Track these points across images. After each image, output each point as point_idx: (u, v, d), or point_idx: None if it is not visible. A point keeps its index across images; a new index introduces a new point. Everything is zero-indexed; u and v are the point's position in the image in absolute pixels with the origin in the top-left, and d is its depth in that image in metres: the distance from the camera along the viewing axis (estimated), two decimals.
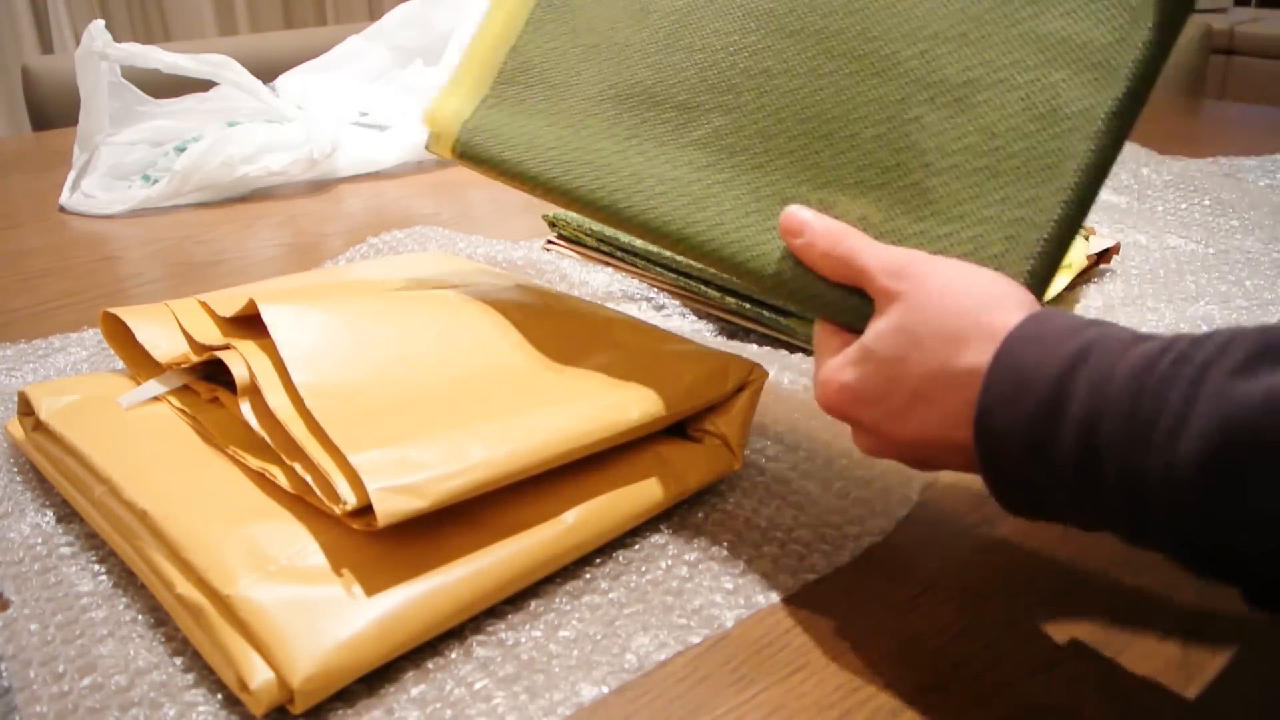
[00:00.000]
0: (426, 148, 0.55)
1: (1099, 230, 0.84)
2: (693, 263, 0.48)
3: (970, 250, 0.40)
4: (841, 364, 0.40)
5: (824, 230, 0.42)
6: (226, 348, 0.46)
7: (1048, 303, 0.47)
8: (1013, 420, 0.34)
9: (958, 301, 0.37)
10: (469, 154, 0.53)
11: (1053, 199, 0.39)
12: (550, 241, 0.80)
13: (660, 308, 0.70)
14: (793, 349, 0.64)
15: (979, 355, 0.36)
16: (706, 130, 0.47)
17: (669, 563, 0.44)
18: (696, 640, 0.40)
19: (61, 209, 0.96)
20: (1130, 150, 1.06)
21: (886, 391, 0.38)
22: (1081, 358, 0.33)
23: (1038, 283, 0.40)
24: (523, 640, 0.40)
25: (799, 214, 0.43)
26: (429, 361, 0.47)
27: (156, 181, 0.97)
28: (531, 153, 0.50)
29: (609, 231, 0.74)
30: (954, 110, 0.42)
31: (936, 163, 0.41)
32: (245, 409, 0.43)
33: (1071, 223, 0.40)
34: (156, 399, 0.48)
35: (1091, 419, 0.32)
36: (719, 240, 0.45)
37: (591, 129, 0.50)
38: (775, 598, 0.42)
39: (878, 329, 0.39)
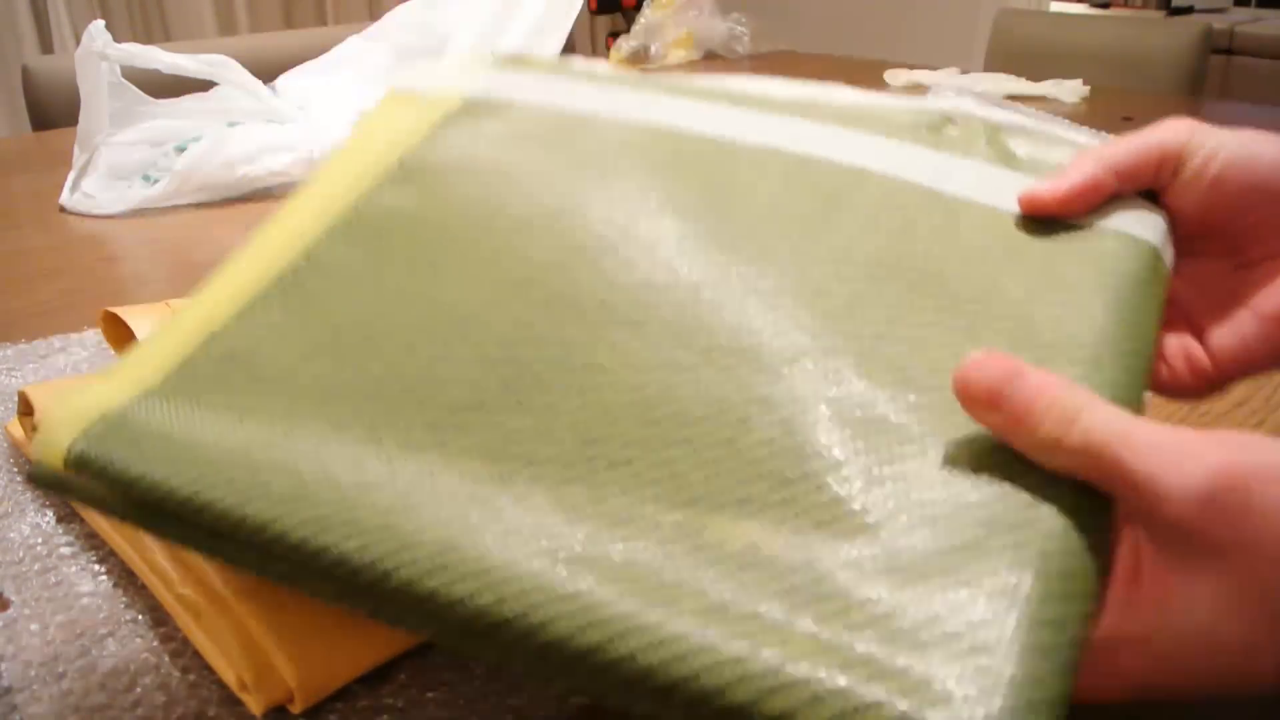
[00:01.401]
0: (30, 477, 0.31)
1: None
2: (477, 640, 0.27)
3: (958, 633, 0.24)
4: (1130, 648, 0.25)
5: (1042, 392, 0.26)
6: None
7: None
8: None
9: None
10: (90, 458, 0.31)
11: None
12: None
13: None
14: None
15: None
16: (493, 435, 0.31)
17: None
18: None
19: (61, 209, 0.96)
20: None
21: (1220, 677, 0.25)
22: None
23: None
24: None
25: (986, 361, 0.27)
26: None
27: (156, 181, 0.97)
28: (203, 461, 0.30)
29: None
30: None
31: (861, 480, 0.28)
32: None
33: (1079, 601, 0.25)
34: None
35: None
36: (509, 585, 0.26)
37: (308, 433, 0.31)
38: None
39: (1203, 599, 0.24)
